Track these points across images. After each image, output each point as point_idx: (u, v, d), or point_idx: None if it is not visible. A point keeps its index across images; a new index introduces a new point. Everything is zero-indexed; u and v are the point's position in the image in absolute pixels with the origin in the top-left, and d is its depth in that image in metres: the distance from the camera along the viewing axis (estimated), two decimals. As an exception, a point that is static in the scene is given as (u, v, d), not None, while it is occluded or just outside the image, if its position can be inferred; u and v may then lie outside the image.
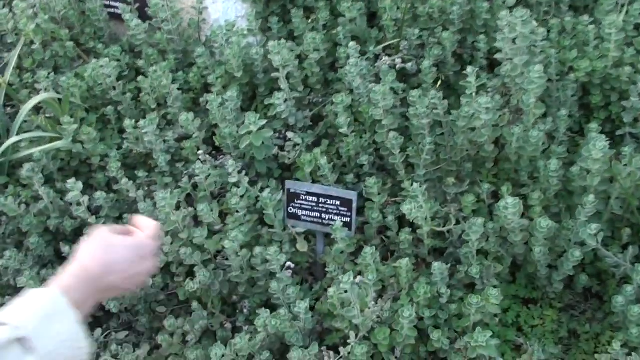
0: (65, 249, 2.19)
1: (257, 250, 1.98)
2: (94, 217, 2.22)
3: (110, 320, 2.25)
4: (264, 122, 2.24)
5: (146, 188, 2.37)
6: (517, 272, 2.16)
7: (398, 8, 2.53)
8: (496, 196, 2.14)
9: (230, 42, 2.48)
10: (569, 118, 2.18)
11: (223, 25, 2.60)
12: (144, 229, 1.35)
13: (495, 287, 1.91)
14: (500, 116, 2.17)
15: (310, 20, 2.68)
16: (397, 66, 2.40)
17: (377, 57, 2.52)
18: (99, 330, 2.13)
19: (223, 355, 1.85)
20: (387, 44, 2.55)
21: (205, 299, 2.12)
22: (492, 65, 2.41)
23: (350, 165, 2.34)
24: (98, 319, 2.26)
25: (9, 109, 2.61)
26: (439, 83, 2.47)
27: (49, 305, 1.11)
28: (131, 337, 2.21)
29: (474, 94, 2.07)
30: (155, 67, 2.46)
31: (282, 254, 1.95)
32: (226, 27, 2.56)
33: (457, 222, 2.10)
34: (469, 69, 2.07)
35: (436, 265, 1.91)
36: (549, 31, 2.33)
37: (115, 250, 1.24)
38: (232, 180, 2.13)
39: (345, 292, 1.77)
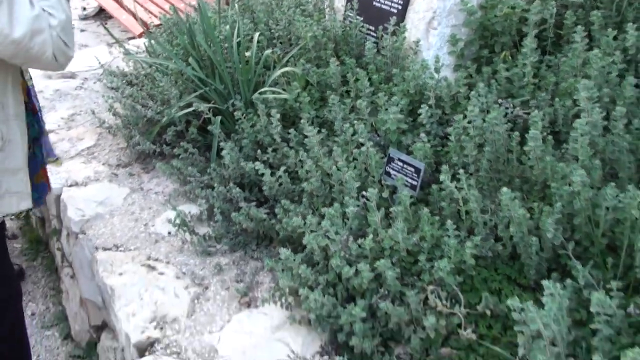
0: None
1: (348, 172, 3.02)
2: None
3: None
4: (402, 116, 3.29)
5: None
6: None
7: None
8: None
9: (417, 70, 3.59)
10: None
11: (420, 60, 3.73)
12: None
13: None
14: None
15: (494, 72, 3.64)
16: (513, 112, 3.24)
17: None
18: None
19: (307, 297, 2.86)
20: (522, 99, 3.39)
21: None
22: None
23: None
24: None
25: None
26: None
27: None
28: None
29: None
30: (363, 75, 3.69)
31: (359, 182, 2.97)
32: (422, 63, 3.68)
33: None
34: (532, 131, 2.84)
35: (424, 212, 2.74)
36: None
37: None
38: (361, 140, 3.22)
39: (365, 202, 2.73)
